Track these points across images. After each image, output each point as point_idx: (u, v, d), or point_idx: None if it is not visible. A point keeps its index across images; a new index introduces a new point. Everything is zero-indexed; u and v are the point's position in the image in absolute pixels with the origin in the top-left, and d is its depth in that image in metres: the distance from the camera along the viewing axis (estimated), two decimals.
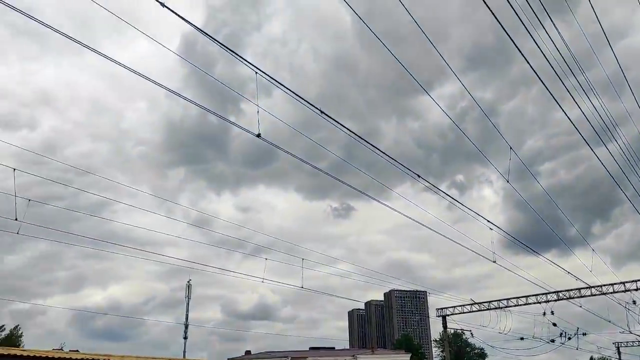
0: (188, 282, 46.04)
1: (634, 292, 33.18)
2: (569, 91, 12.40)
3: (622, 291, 33.68)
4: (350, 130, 10.05)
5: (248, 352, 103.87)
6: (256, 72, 9.24)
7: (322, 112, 9.08)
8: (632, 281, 33.56)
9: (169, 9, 6.88)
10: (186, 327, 44.08)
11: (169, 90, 11.55)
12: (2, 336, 51.89)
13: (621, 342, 62.54)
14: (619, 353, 63.98)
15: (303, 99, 9.03)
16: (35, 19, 9.06)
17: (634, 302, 33.38)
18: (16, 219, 16.56)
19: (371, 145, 10.64)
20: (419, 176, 12.72)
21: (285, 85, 9.33)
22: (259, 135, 11.88)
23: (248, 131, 11.71)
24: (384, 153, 10.95)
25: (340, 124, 9.64)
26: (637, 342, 58.19)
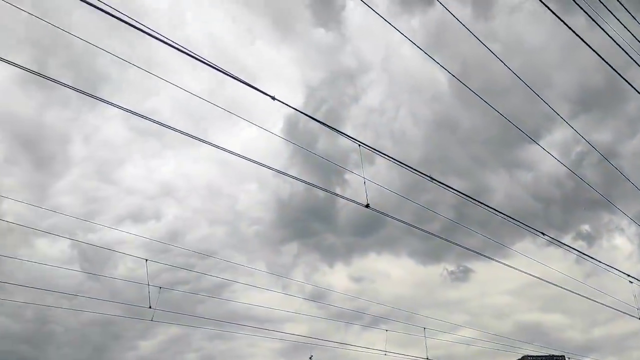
0: (310, 357, 45.72)
1: None
2: None
3: None
4: (459, 192, 9.88)
5: None
6: (359, 145, 9.49)
7: (431, 178, 9.07)
8: None
9: (280, 101, 7.40)
10: None
11: (276, 170, 12.13)
12: None
13: None
14: None
15: (408, 166, 9.09)
16: (156, 121, 10.00)
17: None
18: (150, 307, 17.73)
19: (482, 204, 10.35)
20: (542, 233, 12.06)
21: (388, 154, 9.48)
22: (367, 206, 12.00)
23: (357, 202, 11.88)
24: (497, 211, 10.59)
25: (449, 187, 9.54)
26: None
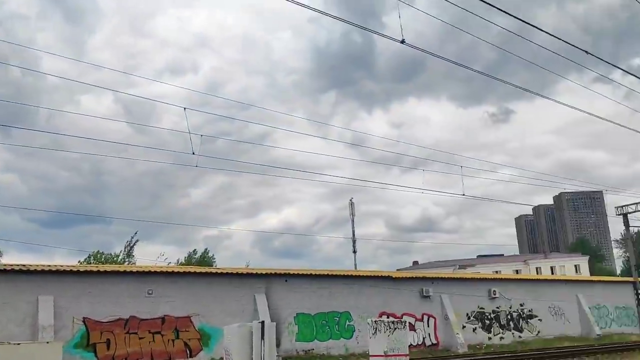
0: (351, 199, 47.98)
1: None
2: None
3: None
4: (511, 15, 9.21)
5: (415, 263, 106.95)
6: None
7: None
8: None
9: None
10: (354, 242, 46.29)
11: (315, 10, 11.53)
12: (197, 258, 59.30)
13: None
14: None
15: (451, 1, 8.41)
16: None
17: None
18: (193, 153, 18.28)
19: (534, 27, 9.68)
20: (587, 53, 11.38)
21: None
22: (403, 42, 11.47)
23: (392, 38, 11.37)
24: (553, 36, 9.92)
25: (497, 9, 8.87)
26: None
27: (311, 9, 11.57)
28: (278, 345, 22.30)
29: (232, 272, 23.47)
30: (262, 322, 12.25)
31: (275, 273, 24.22)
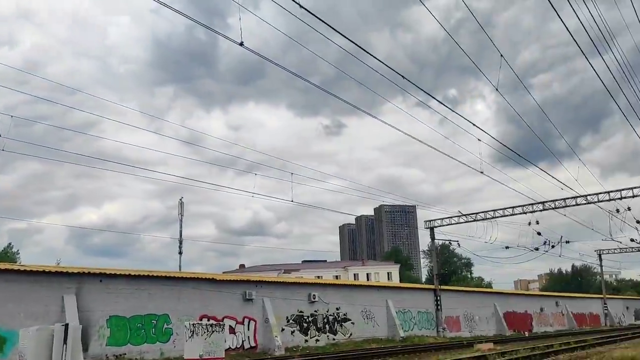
0: (180, 199, 46.61)
1: (617, 200, 34.03)
2: None
3: (607, 200, 34.53)
4: (346, 37, 9.72)
5: (242, 266, 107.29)
6: None
7: (315, 16, 8.73)
8: (617, 190, 34.35)
9: None
10: (180, 242, 45.05)
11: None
12: None
13: (603, 250, 65.00)
14: (600, 259, 66.65)
15: (298, 3, 8.64)
16: None
17: (617, 211, 34.31)
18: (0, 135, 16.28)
19: (367, 52, 10.35)
20: (415, 85, 12.50)
21: None
22: (241, 44, 11.49)
23: (230, 39, 11.32)
24: (380, 61, 10.69)
25: (335, 30, 9.31)
26: (618, 249, 60.45)
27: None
28: (86, 349, 20.70)
29: (36, 270, 21.22)
30: (66, 325, 11.25)
31: (89, 272, 22.47)
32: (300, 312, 30.97)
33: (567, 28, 12.10)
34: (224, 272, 67.41)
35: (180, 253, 44.42)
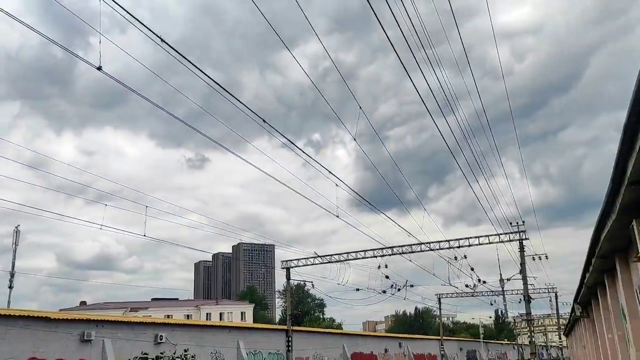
0: (16, 227, 42.01)
1: (456, 249, 37.25)
2: (418, 63, 13.15)
3: (447, 248, 37.63)
4: (210, 78, 9.67)
5: (83, 303, 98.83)
6: None
7: (171, 47, 8.58)
8: (455, 239, 37.63)
9: None
10: (12, 275, 40.44)
11: (7, 13, 10.15)
12: None
13: (442, 294, 70.39)
14: (440, 303, 72.08)
15: (158, 36, 8.45)
16: None
17: (455, 258, 37.53)
18: None
19: (230, 95, 10.37)
20: (270, 126, 12.74)
21: (135, 17, 8.65)
22: (99, 68, 10.99)
23: (87, 62, 10.77)
24: (244, 104, 10.76)
25: (200, 70, 9.22)
26: (455, 294, 65.73)
27: (5, 12, 10.16)
28: None
29: None
30: None
31: None
32: (145, 354, 29.11)
33: (417, 90, 13.26)
34: (61, 310, 61.59)
35: (10, 287, 39.83)
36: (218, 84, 9.99)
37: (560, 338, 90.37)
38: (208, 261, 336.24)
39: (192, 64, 9.14)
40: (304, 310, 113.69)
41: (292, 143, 14.79)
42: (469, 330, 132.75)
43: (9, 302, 39.34)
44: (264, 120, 11.43)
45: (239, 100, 10.54)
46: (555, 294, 71.60)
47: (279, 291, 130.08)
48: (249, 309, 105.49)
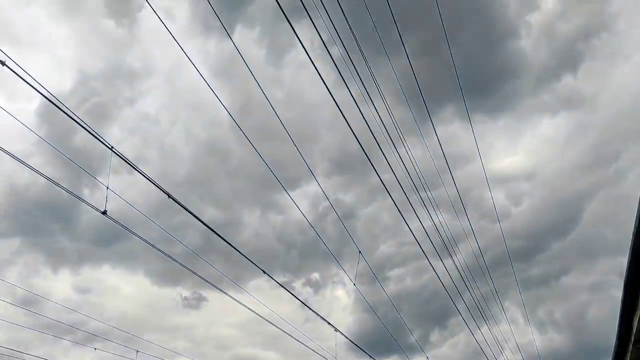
0: None
1: None
2: (412, 206, 13.38)
3: None
4: (206, 225, 9.77)
5: None
6: (111, 149, 8.78)
7: (169, 196, 8.79)
8: None
9: (10, 68, 6.36)
10: None
11: (10, 154, 10.53)
12: None
13: None
14: None
15: (153, 181, 8.68)
16: None
17: None
18: None
19: (225, 241, 10.41)
20: (265, 272, 12.60)
21: (139, 169, 8.95)
22: (104, 213, 11.14)
23: (93, 207, 10.92)
24: (234, 247, 10.76)
25: (198, 219, 9.38)
26: None
27: (8, 153, 10.54)
28: None
29: None
30: None
31: None
32: None
33: (413, 235, 13.34)
34: None
35: None
36: (213, 231, 10.07)
37: None
38: None
39: (191, 213, 9.28)
40: None
41: (284, 287, 14.51)
42: None
43: None
44: (257, 266, 11.35)
45: (232, 247, 10.55)
46: None
47: None
48: None
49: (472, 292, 20.89)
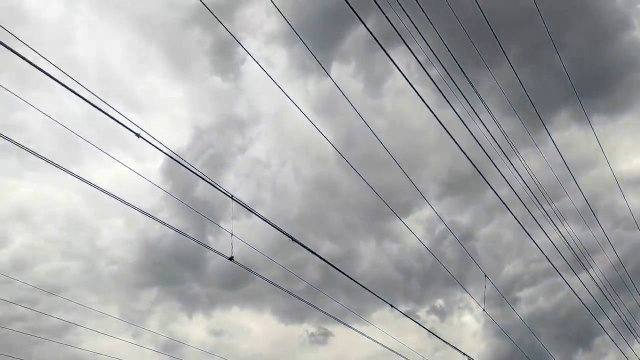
0: None
1: None
2: (536, 220, 12.68)
3: None
4: (323, 259, 9.96)
5: None
6: (231, 197, 9.29)
7: (293, 239, 9.07)
8: None
9: (144, 139, 7.03)
10: None
11: (141, 211, 11.47)
12: None
13: None
14: None
15: (274, 225, 9.04)
16: (14, 142, 9.04)
17: None
18: None
19: (343, 273, 10.52)
20: (392, 305, 12.46)
21: (258, 212, 9.38)
22: (231, 259, 11.72)
23: (221, 254, 11.54)
24: (356, 282, 10.82)
25: (310, 250, 9.60)
26: None
27: (141, 211, 11.50)
28: None
29: None
30: None
31: None
32: None
33: (541, 250, 12.57)
34: None
35: None
36: (333, 266, 10.22)
37: None
38: None
39: (307, 249, 9.52)
40: None
41: (409, 317, 14.26)
42: None
43: None
44: (380, 298, 11.29)
45: (353, 280, 10.62)
46: None
47: None
48: None
49: (616, 308, 19.14)
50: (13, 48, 6.16)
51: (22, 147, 8.66)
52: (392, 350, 18.94)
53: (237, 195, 10.84)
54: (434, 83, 8.35)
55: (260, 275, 12.77)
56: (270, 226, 11.09)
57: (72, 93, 6.65)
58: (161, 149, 7.21)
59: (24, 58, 6.40)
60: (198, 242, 12.52)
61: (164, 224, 11.91)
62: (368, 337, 17.65)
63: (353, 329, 16.62)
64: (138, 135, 6.96)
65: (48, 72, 6.54)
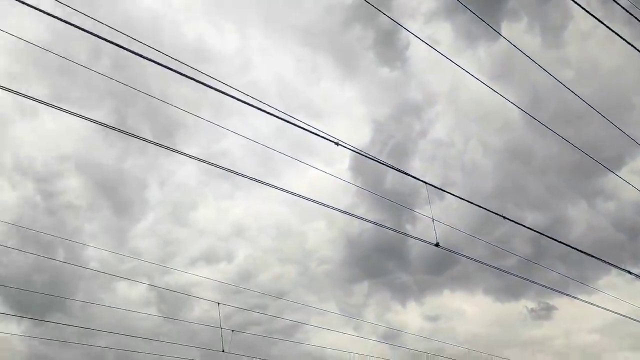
0: None
1: None
2: None
3: None
4: (531, 229, 9.44)
5: None
6: (425, 184, 9.34)
7: (502, 216, 8.76)
8: None
9: (343, 145, 7.45)
10: None
11: (341, 211, 12.09)
12: None
13: None
14: None
15: (475, 204, 8.83)
16: (224, 168, 10.17)
17: None
18: (223, 350, 17.95)
19: (557, 241, 9.83)
20: (623, 270, 11.27)
21: (454, 193, 9.27)
22: (437, 245, 11.73)
23: (426, 242, 11.62)
24: (576, 249, 10.02)
25: (521, 224, 9.15)
26: None
27: (342, 211, 12.15)
28: None
29: None
30: None
31: None
32: None
33: None
34: None
35: None
36: (538, 232, 9.64)
37: None
38: None
39: (514, 221, 9.12)
40: None
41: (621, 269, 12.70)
42: None
43: None
44: (606, 262, 10.32)
45: (571, 247, 9.86)
46: None
47: None
48: None
49: None
50: (207, 83, 7.02)
51: (232, 171, 9.78)
52: (631, 318, 17.15)
53: (426, 179, 10.88)
54: (627, 12, 7.33)
55: (469, 257, 12.58)
56: (467, 205, 10.89)
57: (261, 112, 7.36)
58: (360, 152, 7.60)
59: (220, 91, 7.20)
60: (402, 233, 12.77)
61: (363, 219, 12.36)
62: (598, 307, 16.22)
63: (579, 299, 15.46)
64: (337, 143, 7.45)
65: (240, 98, 7.28)
